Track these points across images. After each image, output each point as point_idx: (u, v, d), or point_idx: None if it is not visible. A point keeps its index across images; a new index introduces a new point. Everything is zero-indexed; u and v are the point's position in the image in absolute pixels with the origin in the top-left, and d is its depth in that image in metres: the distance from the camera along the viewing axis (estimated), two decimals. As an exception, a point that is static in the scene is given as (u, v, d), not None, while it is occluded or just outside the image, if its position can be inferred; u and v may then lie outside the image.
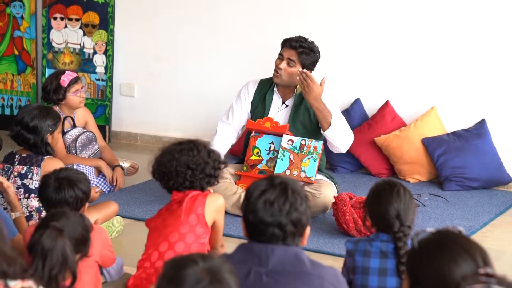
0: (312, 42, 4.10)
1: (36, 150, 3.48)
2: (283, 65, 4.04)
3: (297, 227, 1.97)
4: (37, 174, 3.40)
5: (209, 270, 1.56)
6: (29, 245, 2.10)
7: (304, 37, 4.09)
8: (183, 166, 2.62)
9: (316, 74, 4.93)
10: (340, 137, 4.03)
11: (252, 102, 4.26)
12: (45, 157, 3.45)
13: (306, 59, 4.04)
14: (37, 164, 3.42)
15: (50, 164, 3.37)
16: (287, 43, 4.07)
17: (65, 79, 4.27)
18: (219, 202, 2.67)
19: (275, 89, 4.20)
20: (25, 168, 3.44)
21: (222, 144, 4.19)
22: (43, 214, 3.39)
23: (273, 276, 1.93)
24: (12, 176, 3.45)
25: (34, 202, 3.39)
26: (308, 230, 2.03)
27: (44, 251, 2.05)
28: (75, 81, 4.32)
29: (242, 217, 2.04)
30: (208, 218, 2.63)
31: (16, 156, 3.49)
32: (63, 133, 4.32)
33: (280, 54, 4.09)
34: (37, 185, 3.38)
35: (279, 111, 4.20)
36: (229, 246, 3.45)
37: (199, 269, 1.56)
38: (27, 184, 3.42)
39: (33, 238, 2.10)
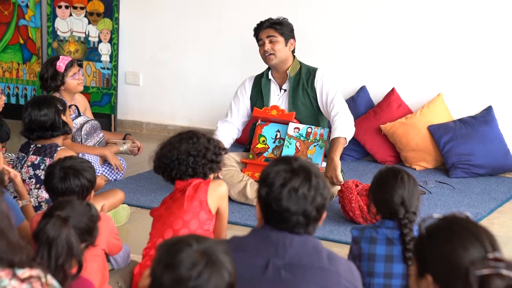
0: (279, 17, 4.19)
1: (55, 132, 3.45)
2: (268, 45, 4.10)
3: (320, 212, 1.95)
4: None
5: (204, 252, 1.55)
6: (34, 233, 2.10)
7: (269, 17, 4.18)
8: (184, 154, 2.64)
9: (324, 62, 4.93)
10: (351, 135, 4.09)
11: (250, 97, 4.29)
12: (58, 149, 3.44)
13: (283, 29, 4.12)
14: (50, 155, 3.42)
15: (63, 155, 3.36)
16: (260, 27, 4.16)
17: (61, 64, 4.27)
18: (222, 188, 2.67)
19: (270, 77, 4.21)
20: (38, 159, 3.44)
21: (222, 140, 4.20)
22: None
23: (291, 270, 1.88)
24: (25, 165, 3.45)
25: (44, 194, 3.38)
26: (325, 213, 2.00)
27: (48, 240, 2.05)
28: (71, 64, 4.31)
29: (259, 201, 1.98)
30: (212, 204, 2.63)
31: (32, 146, 3.49)
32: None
33: (259, 40, 4.16)
34: None
35: (279, 97, 4.22)
36: (234, 233, 3.46)
37: (194, 251, 1.54)
38: (39, 174, 3.41)
39: (38, 226, 2.11)
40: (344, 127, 4.00)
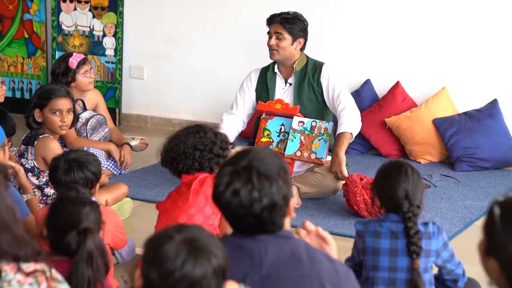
0: (295, 12, 4.14)
1: (28, 125, 3.55)
2: (273, 41, 4.08)
3: (274, 211, 1.79)
4: (31, 153, 3.48)
5: (186, 240, 1.52)
6: (69, 249, 2.09)
7: (286, 11, 4.13)
8: (190, 148, 2.64)
9: (328, 56, 4.92)
10: (357, 130, 4.08)
11: (256, 89, 4.29)
12: (41, 136, 3.48)
13: (292, 28, 4.07)
14: (33, 143, 3.48)
15: (43, 143, 3.43)
16: (271, 20, 4.13)
17: (73, 61, 4.29)
18: None
19: (276, 70, 4.21)
20: (24, 148, 3.52)
21: (228, 132, 4.19)
22: (46, 191, 3.44)
23: (269, 283, 1.78)
24: (16, 155, 3.54)
25: (34, 180, 3.47)
26: (291, 203, 1.84)
27: (90, 254, 2.07)
28: (83, 62, 4.34)
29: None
30: None
31: (24, 136, 3.58)
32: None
33: (268, 33, 4.14)
34: (32, 165, 3.47)
35: (284, 91, 4.21)
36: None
37: (175, 242, 1.52)
38: (24, 163, 3.48)
39: (69, 241, 2.09)
40: (350, 122, 3.99)
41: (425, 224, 2.35)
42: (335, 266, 1.83)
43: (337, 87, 4.08)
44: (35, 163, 3.47)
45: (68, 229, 2.12)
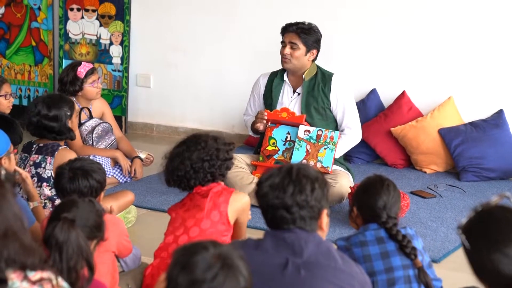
0: (310, 23, 4.15)
1: (59, 136, 3.55)
2: (287, 50, 4.09)
3: (305, 209, 1.96)
4: (50, 164, 3.47)
5: (220, 255, 1.57)
6: (44, 238, 2.11)
7: (302, 21, 4.15)
8: (198, 162, 2.59)
9: (335, 65, 4.93)
10: (344, 151, 4.23)
11: (264, 95, 4.30)
12: (60, 147, 3.50)
13: (307, 38, 4.09)
14: (52, 154, 3.49)
15: (64, 155, 3.44)
16: (286, 29, 4.14)
17: (81, 70, 4.31)
18: (244, 200, 2.66)
19: (285, 78, 4.22)
20: (40, 157, 3.51)
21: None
22: (57, 202, 3.44)
23: (310, 268, 1.92)
24: (28, 165, 3.52)
25: (47, 191, 3.46)
26: (324, 213, 2.02)
27: (58, 244, 2.05)
28: (91, 72, 4.36)
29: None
30: (231, 216, 2.62)
31: (34, 146, 3.57)
32: (80, 124, 4.35)
33: (282, 41, 4.15)
34: (49, 174, 3.48)
35: (292, 100, 4.22)
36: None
37: (210, 255, 1.57)
38: (40, 173, 3.49)
39: (47, 231, 2.11)
40: (345, 143, 4.15)
41: (403, 228, 2.42)
42: (361, 270, 2.02)
43: (346, 103, 4.16)
44: (52, 173, 3.47)
45: (54, 219, 2.11)
